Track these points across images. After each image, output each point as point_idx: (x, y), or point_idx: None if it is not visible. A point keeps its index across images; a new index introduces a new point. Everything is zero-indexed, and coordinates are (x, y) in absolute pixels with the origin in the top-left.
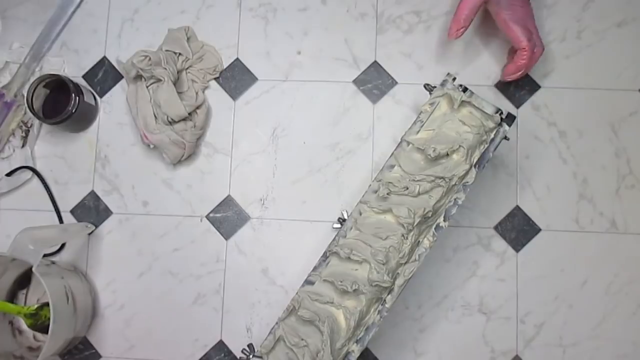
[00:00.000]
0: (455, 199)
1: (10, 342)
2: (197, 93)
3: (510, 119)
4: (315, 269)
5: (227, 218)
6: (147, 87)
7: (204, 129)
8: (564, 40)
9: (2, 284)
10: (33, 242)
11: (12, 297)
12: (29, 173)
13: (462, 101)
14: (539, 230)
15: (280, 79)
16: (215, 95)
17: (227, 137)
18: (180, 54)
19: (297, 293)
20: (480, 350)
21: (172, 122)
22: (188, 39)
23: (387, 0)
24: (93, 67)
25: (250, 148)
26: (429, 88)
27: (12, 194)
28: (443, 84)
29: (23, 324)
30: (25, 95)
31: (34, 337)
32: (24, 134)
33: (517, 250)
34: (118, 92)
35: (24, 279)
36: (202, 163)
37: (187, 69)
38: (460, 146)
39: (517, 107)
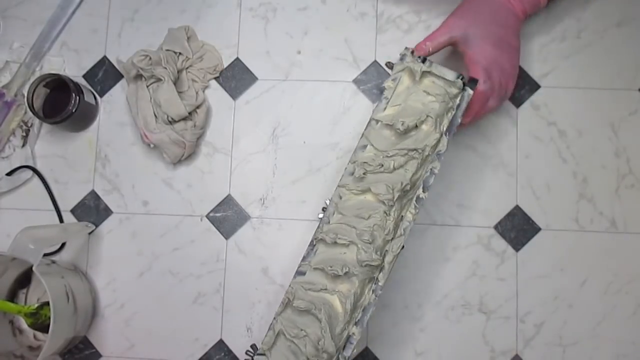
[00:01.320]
0: (431, 169)
1: (11, 341)
2: (197, 93)
3: (473, 82)
4: (304, 258)
5: (227, 218)
6: (147, 86)
7: (204, 128)
8: (564, 40)
9: (2, 283)
10: (33, 241)
11: (12, 297)
12: (29, 172)
13: (423, 72)
14: (539, 229)
15: (280, 78)
16: (215, 94)
17: (227, 136)
18: (180, 53)
19: (289, 285)
20: (480, 350)
21: (172, 122)
22: (188, 38)
23: (387, 0)
24: (93, 67)
25: (250, 148)
26: (389, 65)
27: (12, 193)
28: (402, 58)
29: (23, 323)
30: (26, 94)
31: (34, 336)
32: (24, 134)
33: (517, 250)
34: (118, 92)
35: (24, 279)
36: (202, 163)
37: (187, 68)
38: (427, 116)
39: (517, 106)
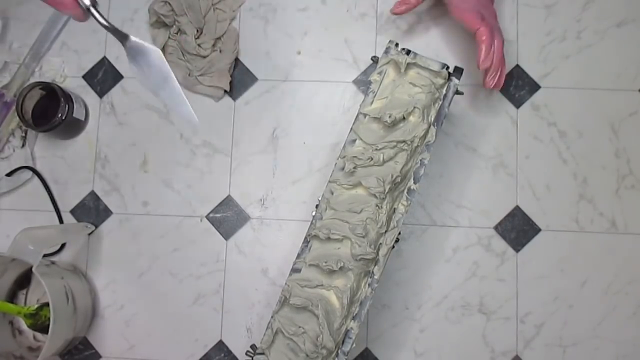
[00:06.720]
0: (421, 160)
1: (10, 342)
2: (224, 23)
3: (458, 72)
4: (298, 256)
5: (227, 218)
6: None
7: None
8: (564, 40)
9: (2, 284)
10: (33, 242)
11: (12, 297)
12: (29, 173)
13: (408, 64)
14: (539, 230)
15: (280, 79)
16: None
17: (227, 137)
18: None
19: (286, 283)
20: (480, 350)
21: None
22: None
23: (387, 0)
24: (93, 67)
25: (250, 148)
26: (375, 60)
27: (12, 194)
28: (386, 51)
29: (23, 324)
30: (15, 101)
31: (34, 337)
32: (23, 134)
33: (517, 250)
34: (118, 92)
35: (24, 279)
36: (202, 163)
37: (214, 4)
38: (415, 107)
39: (517, 107)
